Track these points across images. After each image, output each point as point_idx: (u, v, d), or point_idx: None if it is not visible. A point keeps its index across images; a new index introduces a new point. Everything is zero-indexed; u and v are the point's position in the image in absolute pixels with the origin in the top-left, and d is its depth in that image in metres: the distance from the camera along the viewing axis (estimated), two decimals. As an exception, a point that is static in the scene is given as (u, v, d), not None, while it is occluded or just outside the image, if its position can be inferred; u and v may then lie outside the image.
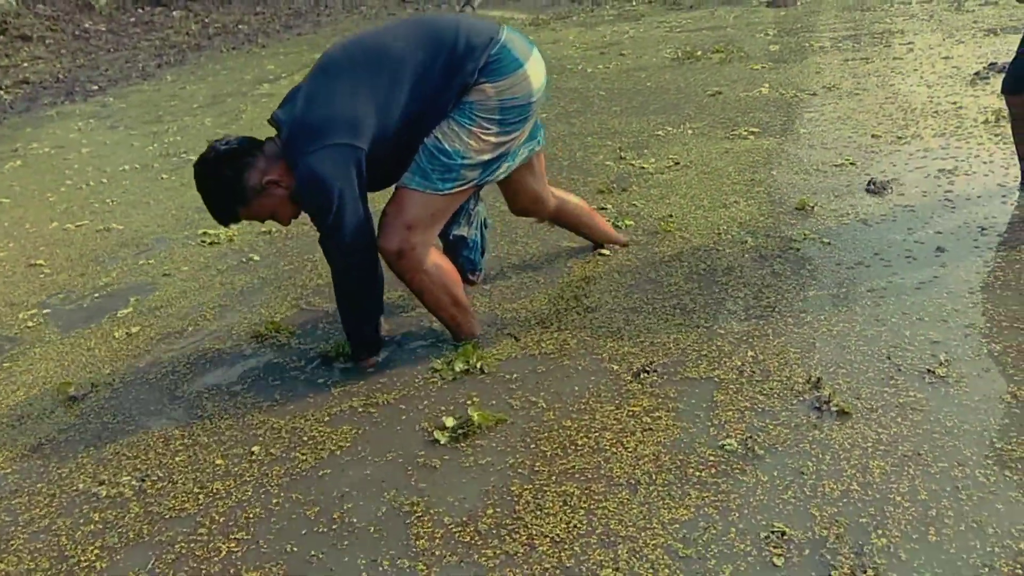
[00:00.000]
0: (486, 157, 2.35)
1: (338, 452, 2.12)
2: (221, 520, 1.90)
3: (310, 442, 2.18)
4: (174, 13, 14.39)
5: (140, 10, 14.91)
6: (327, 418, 2.28)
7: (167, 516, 1.94)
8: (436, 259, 2.44)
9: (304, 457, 2.11)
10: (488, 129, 2.32)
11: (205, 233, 3.94)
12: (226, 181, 2.28)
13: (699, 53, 6.44)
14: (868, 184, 3.43)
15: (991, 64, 4.93)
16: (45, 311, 3.29)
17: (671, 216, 3.39)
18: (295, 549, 1.78)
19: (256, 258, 3.60)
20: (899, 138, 3.96)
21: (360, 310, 2.45)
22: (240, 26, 12.75)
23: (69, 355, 2.88)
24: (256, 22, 13.08)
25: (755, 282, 2.78)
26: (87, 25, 13.69)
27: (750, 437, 1.98)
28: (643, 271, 2.96)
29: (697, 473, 1.88)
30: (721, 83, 5.48)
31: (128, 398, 2.54)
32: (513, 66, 2.31)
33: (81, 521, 1.96)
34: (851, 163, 3.72)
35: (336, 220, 2.22)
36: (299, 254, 3.54)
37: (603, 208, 3.57)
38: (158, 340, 2.91)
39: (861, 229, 3.10)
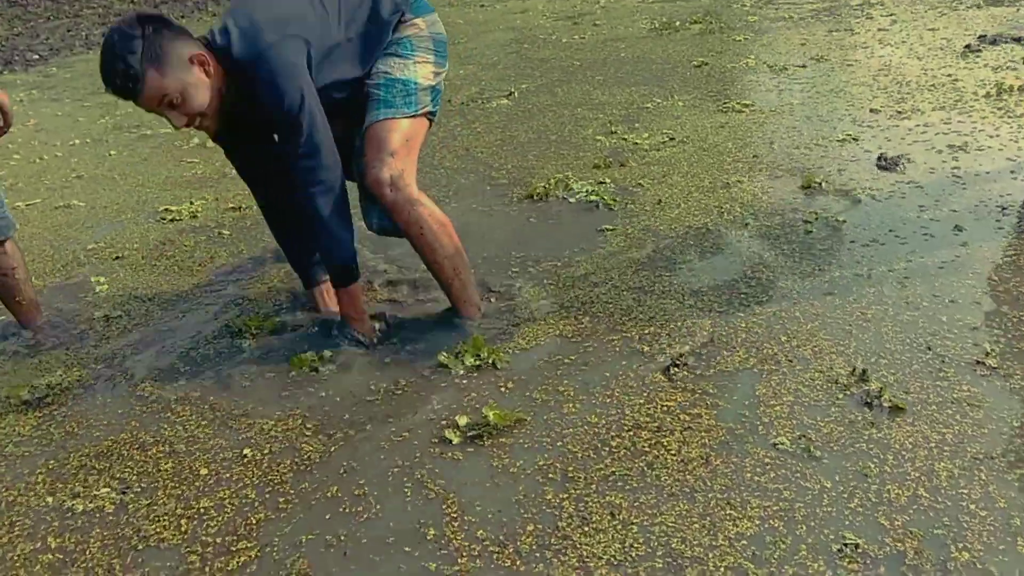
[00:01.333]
0: (432, 83, 2.36)
1: (342, 458, 1.90)
2: (221, 534, 1.68)
3: (306, 448, 1.95)
4: (116, -21, 13.71)
5: (80, -24, 14.18)
6: (323, 420, 2.06)
7: (152, 536, 1.70)
8: (430, 202, 2.33)
9: (303, 465, 1.89)
10: (427, 58, 2.35)
11: (166, 210, 3.65)
12: (147, 38, 2.00)
13: (677, 24, 6.25)
14: (878, 160, 3.29)
15: (981, 36, 4.83)
16: (-5, 300, 2.99)
17: (673, 195, 3.21)
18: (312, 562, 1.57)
19: (226, 233, 3.34)
20: (899, 112, 3.82)
21: (342, 232, 2.25)
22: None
23: (21, 353, 2.60)
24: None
25: (768, 262, 2.62)
26: (23, -9, 12.97)
27: (803, 436, 1.82)
28: (648, 251, 2.78)
29: (756, 478, 1.71)
30: (704, 54, 5.30)
31: (92, 403, 2.27)
32: (430, 7, 2.43)
33: (41, 545, 1.72)
34: (853, 138, 3.58)
35: (310, 119, 2.11)
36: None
37: (602, 183, 3.38)
38: (121, 333, 2.64)
39: (872, 206, 2.96)
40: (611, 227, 3.00)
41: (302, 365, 2.29)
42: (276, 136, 2.34)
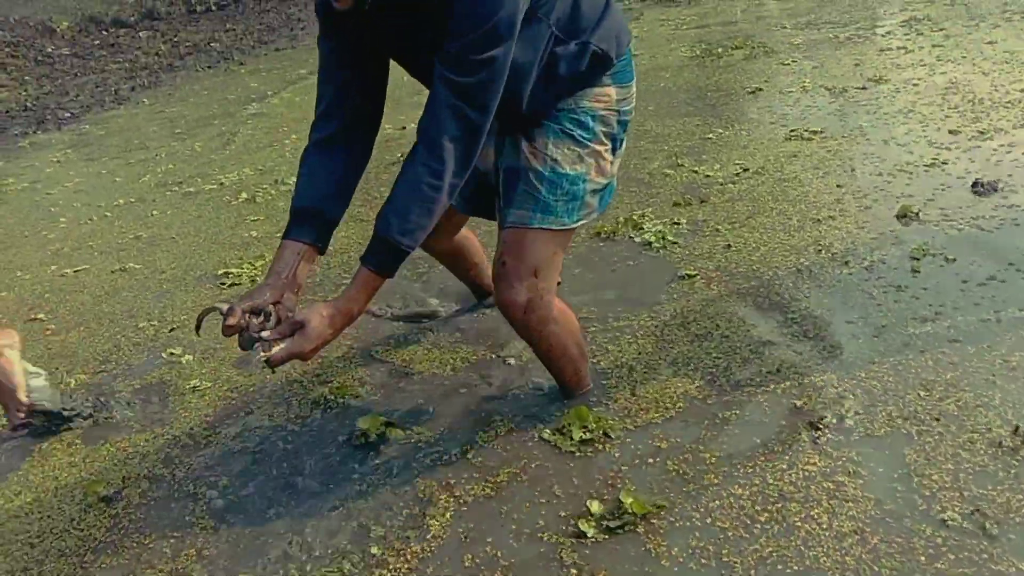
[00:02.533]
0: (603, 181, 1.98)
1: (471, 554, 1.73)
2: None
3: (404, 552, 1.79)
4: (140, 34, 13.84)
5: (104, 32, 14.33)
6: (430, 512, 1.90)
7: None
8: (559, 304, 2.06)
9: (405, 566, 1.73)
10: (605, 145, 1.96)
11: (226, 272, 3.53)
12: None
13: (719, 50, 6.11)
14: (974, 185, 3.11)
15: (1046, 47, 4.65)
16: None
17: (761, 235, 3.04)
18: None
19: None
20: (980, 132, 3.64)
21: (435, 210, 1.71)
22: (212, 44, 12.25)
23: (89, 446, 2.45)
24: (228, 39, 12.58)
25: (881, 305, 2.45)
26: (50, 50, 13.10)
27: (976, 510, 1.64)
28: (745, 297, 2.61)
29: (934, 564, 1.52)
30: (755, 80, 5.15)
31: (160, 499, 2.13)
32: (632, 76, 2.00)
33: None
34: (941, 162, 3.40)
35: (501, 58, 1.63)
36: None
37: (676, 223, 3.23)
38: (188, 431, 2.50)
39: (981, 237, 2.77)
40: (692, 271, 2.84)
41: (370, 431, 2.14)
42: (433, 51, 1.70)
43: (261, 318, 1.66)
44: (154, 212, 4.59)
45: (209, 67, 10.56)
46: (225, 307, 1.63)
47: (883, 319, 2.38)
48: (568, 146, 1.90)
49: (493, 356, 2.52)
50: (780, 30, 6.57)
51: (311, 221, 1.81)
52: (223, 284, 3.43)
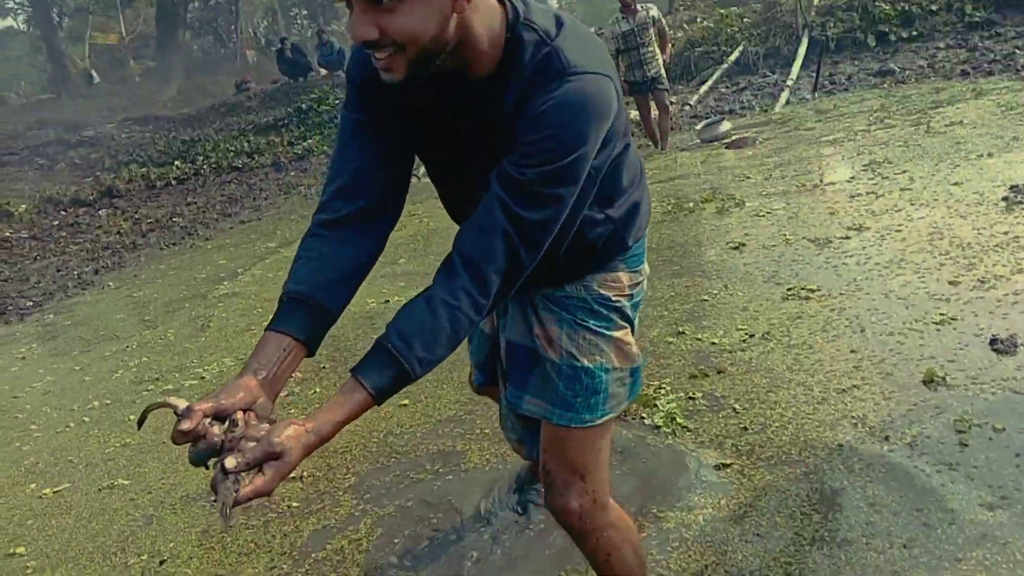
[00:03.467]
0: (627, 367, 1.78)
1: None
2: None
3: None
4: (100, 212, 13.83)
5: (63, 212, 14.31)
6: None
7: None
8: (616, 507, 1.87)
9: None
10: (624, 329, 1.77)
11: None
12: None
13: (690, 205, 6.21)
14: (992, 343, 3.06)
15: (1013, 187, 4.78)
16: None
17: (785, 412, 2.94)
18: None
19: (295, 505, 2.99)
20: (980, 282, 3.65)
21: (455, 347, 1.44)
22: (174, 219, 12.25)
23: None
24: (190, 213, 12.61)
25: (938, 489, 2.32)
26: (7, 234, 12.98)
27: None
28: (786, 490, 2.46)
29: None
30: (735, 234, 5.20)
31: None
32: (643, 260, 1.84)
33: None
34: (951, 318, 3.37)
35: (566, 199, 1.44)
36: (354, 492, 2.92)
37: (692, 398, 3.11)
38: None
39: (1020, 401, 2.69)
40: (727, 462, 2.70)
41: None
42: (487, 163, 1.48)
43: (226, 425, 1.27)
44: (131, 416, 4.35)
45: (174, 243, 10.51)
46: (181, 405, 1.26)
47: (946, 503, 2.25)
48: (583, 336, 1.72)
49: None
50: (744, 180, 6.75)
51: (304, 311, 1.46)
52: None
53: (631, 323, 1.81)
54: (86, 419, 4.51)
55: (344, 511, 2.91)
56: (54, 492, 3.62)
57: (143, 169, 16.43)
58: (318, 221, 1.56)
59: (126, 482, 3.56)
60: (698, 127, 9.78)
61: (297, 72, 21.41)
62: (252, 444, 1.25)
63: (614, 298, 1.75)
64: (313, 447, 1.30)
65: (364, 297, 5.45)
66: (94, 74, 34.72)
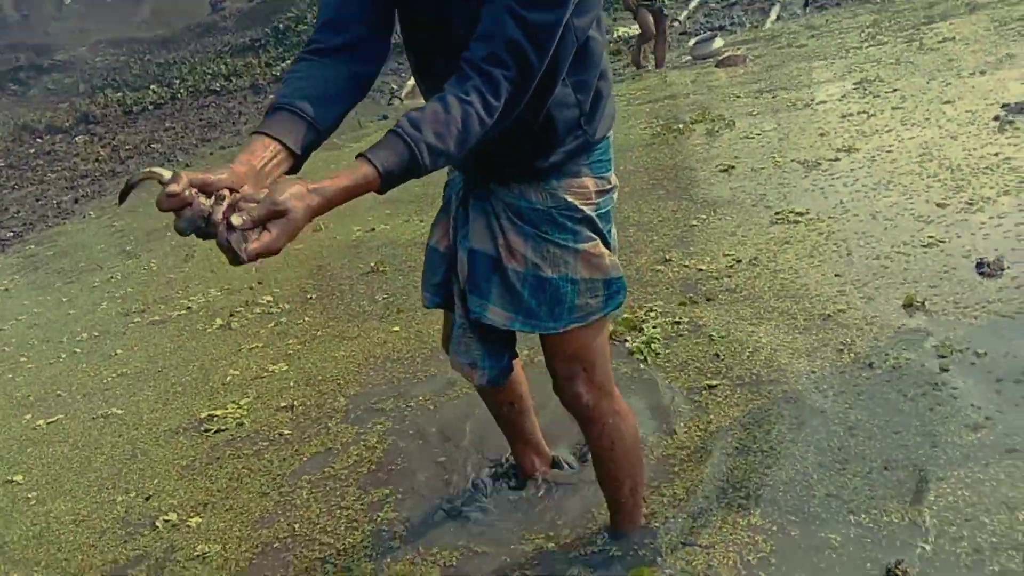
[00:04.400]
0: (599, 278, 1.78)
1: None
2: None
3: None
4: (76, 139, 13.57)
5: (39, 140, 14.03)
6: None
7: None
8: (620, 399, 1.97)
9: None
10: (593, 240, 1.77)
11: (209, 417, 3.31)
12: None
13: (679, 126, 6.13)
14: (978, 266, 3.07)
15: (1004, 105, 4.73)
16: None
17: (770, 337, 2.95)
18: None
19: (287, 432, 3.03)
20: (969, 204, 3.64)
21: (466, 146, 1.40)
22: (153, 145, 12.04)
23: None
24: (168, 138, 12.38)
25: (923, 415, 2.34)
26: (-16, 162, 12.76)
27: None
28: (780, 413, 2.49)
29: None
30: (724, 157, 5.15)
31: None
32: (610, 167, 1.83)
33: None
34: (938, 241, 3.37)
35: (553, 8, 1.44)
36: (348, 420, 2.95)
37: (677, 322, 3.12)
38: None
39: (1006, 326, 2.71)
40: (713, 381, 2.73)
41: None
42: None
43: (212, 200, 1.22)
44: (118, 351, 4.34)
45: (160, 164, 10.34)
46: (167, 174, 1.21)
47: (932, 427, 2.29)
48: (547, 249, 1.74)
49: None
50: (735, 100, 6.65)
51: (291, 120, 1.40)
52: (207, 432, 3.21)
53: (601, 234, 1.79)
54: (77, 351, 4.50)
55: (338, 439, 2.94)
56: (47, 423, 3.65)
57: (119, 94, 16.08)
58: (307, 50, 1.54)
59: (120, 411, 3.58)
60: (689, 44, 9.58)
61: (274, -11, 20.73)
62: (253, 204, 1.21)
63: (579, 205, 1.74)
64: (318, 209, 1.26)
65: (350, 224, 5.39)
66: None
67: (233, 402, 3.38)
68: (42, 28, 26.09)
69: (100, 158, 11.83)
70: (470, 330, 1.89)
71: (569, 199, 1.73)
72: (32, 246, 7.67)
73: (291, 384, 3.44)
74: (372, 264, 4.67)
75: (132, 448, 3.23)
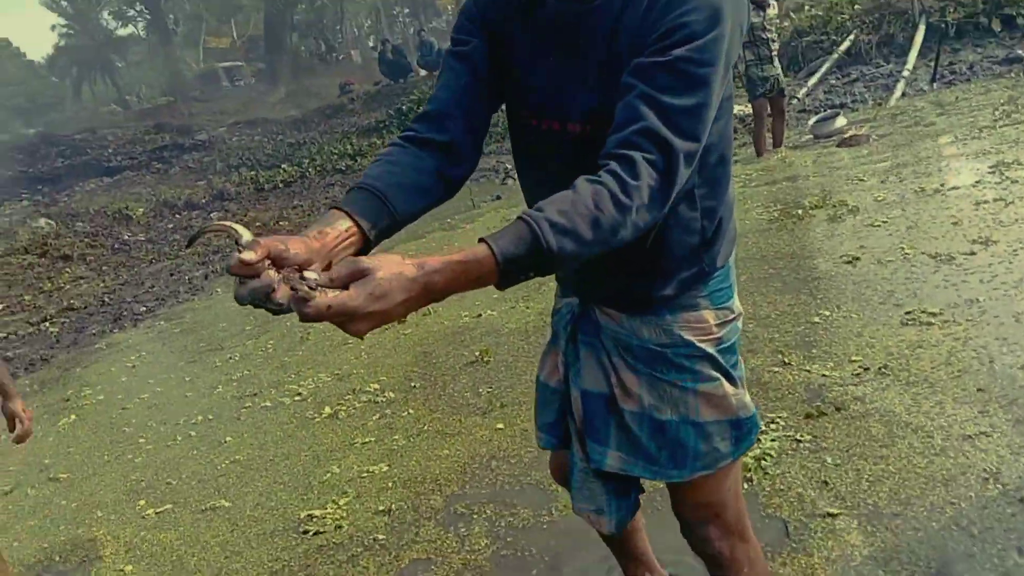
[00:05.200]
0: (724, 419, 1.61)
1: None
2: None
3: None
4: (212, 215, 14.37)
5: (177, 215, 14.94)
6: None
7: None
8: (756, 544, 1.81)
9: None
10: (716, 380, 1.59)
11: (309, 517, 3.27)
12: None
13: (799, 211, 5.90)
14: None
15: None
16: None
17: (900, 465, 2.69)
18: None
19: (381, 538, 2.95)
20: None
21: (600, 232, 1.22)
22: (281, 222, 12.58)
23: None
24: (296, 216, 12.92)
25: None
26: (126, 237, 13.65)
27: None
28: (913, 552, 2.23)
29: None
30: (848, 246, 4.89)
31: None
32: (732, 294, 1.65)
33: None
34: (1095, 351, 3.04)
35: (708, 70, 1.30)
36: (444, 526, 2.84)
37: (823, 441, 2.89)
38: None
39: None
40: (834, 510, 2.49)
41: None
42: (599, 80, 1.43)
43: (280, 275, 1.12)
44: (229, 437, 4.41)
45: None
46: (246, 235, 1.13)
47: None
48: (664, 389, 1.59)
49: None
50: (858, 183, 6.37)
51: (370, 201, 1.34)
52: (305, 533, 3.17)
53: (725, 370, 1.61)
54: (192, 434, 4.61)
55: (434, 546, 2.84)
56: (156, 513, 3.70)
57: (252, 172, 17.01)
58: (403, 136, 1.50)
59: (227, 504, 3.60)
60: (810, 122, 9.32)
61: (397, 73, 21.73)
62: (336, 266, 1.13)
63: (698, 343, 1.58)
64: (414, 281, 1.12)
65: (457, 311, 5.39)
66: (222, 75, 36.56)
67: (333, 501, 3.34)
68: (187, 109, 28.11)
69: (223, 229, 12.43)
70: (592, 476, 1.75)
71: (686, 336, 1.58)
72: (162, 321, 8.04)
73: (390, 485, 3.38)
74: (477, 353, 4.62)
75: (230, 548, 3.22)
